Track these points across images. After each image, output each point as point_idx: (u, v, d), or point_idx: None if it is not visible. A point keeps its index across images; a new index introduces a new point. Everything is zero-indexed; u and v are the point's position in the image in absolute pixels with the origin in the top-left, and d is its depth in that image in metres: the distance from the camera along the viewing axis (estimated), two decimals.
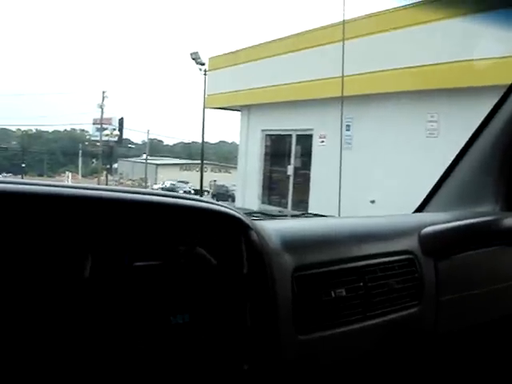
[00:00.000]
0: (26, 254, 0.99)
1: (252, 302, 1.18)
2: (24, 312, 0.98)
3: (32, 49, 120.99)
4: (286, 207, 12.28)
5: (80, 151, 47.34)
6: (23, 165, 43.11)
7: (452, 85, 8.16)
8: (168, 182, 35.20)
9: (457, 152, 2.06)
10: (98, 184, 24.13)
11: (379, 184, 8.92)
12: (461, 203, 2.00)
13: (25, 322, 0.98)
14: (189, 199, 1.18)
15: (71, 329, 1.01)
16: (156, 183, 35.75)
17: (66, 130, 58.23)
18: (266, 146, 13.86)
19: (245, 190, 14.29)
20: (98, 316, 1.04)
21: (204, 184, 26.15)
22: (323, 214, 1.94)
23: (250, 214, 1.49)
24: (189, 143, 57.04)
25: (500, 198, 1.97)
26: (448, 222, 1.73)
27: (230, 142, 53.20)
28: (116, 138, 38.53)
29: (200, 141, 26.24)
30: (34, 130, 56.50)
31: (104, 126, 38.28)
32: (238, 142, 15.77)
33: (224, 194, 24.70)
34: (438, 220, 1.74)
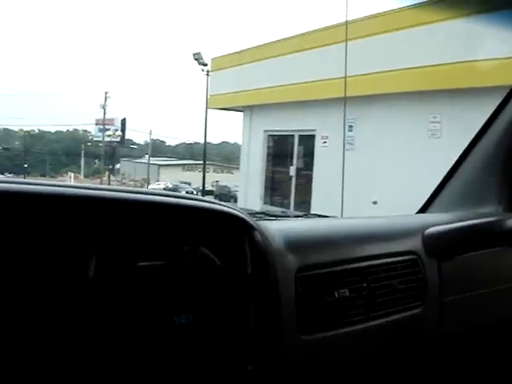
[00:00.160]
0: (30, 254, 0.99)
1: (255, 303, 1.18)
2: (28, 312, 0.98)
3: (34, 49, 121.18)
4: (288, 208, 12.27)
5: (82, 152, 47.37)
6: (25, 165, 43.14)
7: (455, 85, 8.16)
8: (162, 182, 35.03)
9: (459, 153, 2.06)
10: (101, 184, 24.07)
11: (381, 185, 8.92)
12: (464, 204, 2.00)
13: (29, 322, 0.98)
14: (193, 199, 1.18)
15: (75, 329, 1.01)
16: (150, 183, 35.54)
17: (68, 130, 58.43)
18: (269, 147, 13.86)
19: (247, 190, 14.29)
20: (102, 316, 1.04)
21: (206, 185, 26.13)
22: (325, 214, 1.94)
23: (252, 214, 1.49)
24: (191, 144, 57.15)
25: (503, 199, 1.97)
26: (451, 222, 1.73)
27: (232, 142, 53.27)
28: (118, 139, 38.52)
29: (202, 141, 26.24)
30: (37, 131, 56.63)
31: (106, 126, 38.30)
32: (240, 143, 15.77)
33: (226, 195, 24.69)
34: (441, 221, 1.74)
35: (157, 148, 52.27)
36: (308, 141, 12.05)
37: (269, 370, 1.19)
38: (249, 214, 1.26)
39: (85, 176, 43.75)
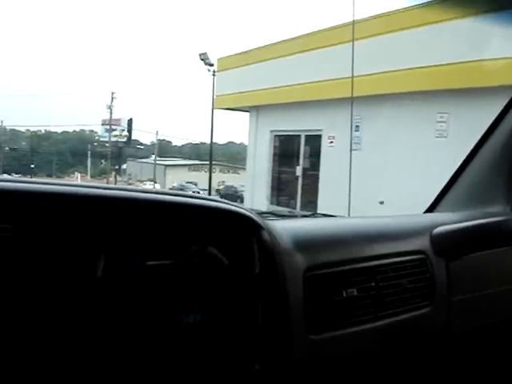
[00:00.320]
0: (39, 254, 1.00)
1: (263, 302, 1.18)
2: (37, 310, 0.99)
3: (42, 50, 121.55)
4: (294, 208, 12.25)
5: (89, 152, 47.46)
6: (32, 165, 43.29)
7: (462, 85, 8.12)
8: (148, 183, 34.78)
9: (466, 153, 2.05)
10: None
11: (388, 185, 8.90)
12: (471, 204, 1.99)
13: (38, 321, 0.99)
14: (201, 199, 1.18)
15: (84, 328, 1.02)
16: (142, 182, 35.36)
17: (75, 130, 58.54)
18: (275, 147, 13.83)
19: (253, 190, 14.27)
20: (111, 315, 1.04)
21: (213, 185, 26.14)
22: (332, 215, 1.94)
23: (259, 214, 1.49)
24: (197, 144, 57.20)
25: (510, 199, 1.96)
26: (459, 222, 1.72)
27: (238, 142, 53.27)
28: (125, 139, 38.61)
29: (209, 141, 26.21)
30: (43, 131, 56.82)
31: (113, 126, 38.37)
32: (246, 143, 15.76)
33: (233, 195, 24.71)
34: (449, 220, 1.74)
35: (163, 148, 52.33)
36: (314, 141, 12.02)
37: (277, 370, 1.19)
38: (256, 213, 1.26)
39: (91, 176, 43.85)
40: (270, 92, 12.64)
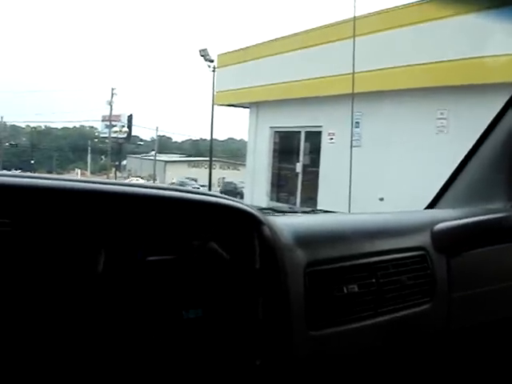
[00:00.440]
0: (40, 249, 1.00)
1: (264, 297, 1.18)
2: (38, 306, 0.99)
3: (42, 46, 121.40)
4: (294, 204, 12.24)
5: (89, 148, 47.47)
6: (32, 161, 43.31)
7: (463, 82, 8.11)
8: (135, 178, 34.47)
9: (467, 149, 2.05)
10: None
11: (388, 182, 8.90)
12: (471, 200, 1.99)
13: (39, 316, 0.99)
14: (202, 194, 1.18)
15: (85, 323, 1.02)
16: (130, 177, 35.05)
17: (75, 126, 58.45)
18: (275, 143, 13.82)
19: (253, 187, 14.26)
20: (112, 310, 1.04)
21: (212, 181, 26.13)
22: (333, 211, 1.93)
23: (260, 209, 1.49)
24: (197, 140, 57.13)
25: (511, 196, 1.96)
26: (460, 218, 1.72)
27: (238, 139, 53.26)
28: (125, 135, 38.60)
29: (209, 138, 26.20)
30: (43, 127, 56.75)
31: (113, 122, 38.35)
32: (246, 139, 15.74)
33: (232, 191, 24.66)
34: (449, 217, 1.74)
35: (163, 144, 52.27)
36: (315, 137, 12.01)
37: (277, 365, 1.19)
38: (257, 209, 1.26)
39: (91, 172, 43.83)
40: (270, 88, 12.62)
